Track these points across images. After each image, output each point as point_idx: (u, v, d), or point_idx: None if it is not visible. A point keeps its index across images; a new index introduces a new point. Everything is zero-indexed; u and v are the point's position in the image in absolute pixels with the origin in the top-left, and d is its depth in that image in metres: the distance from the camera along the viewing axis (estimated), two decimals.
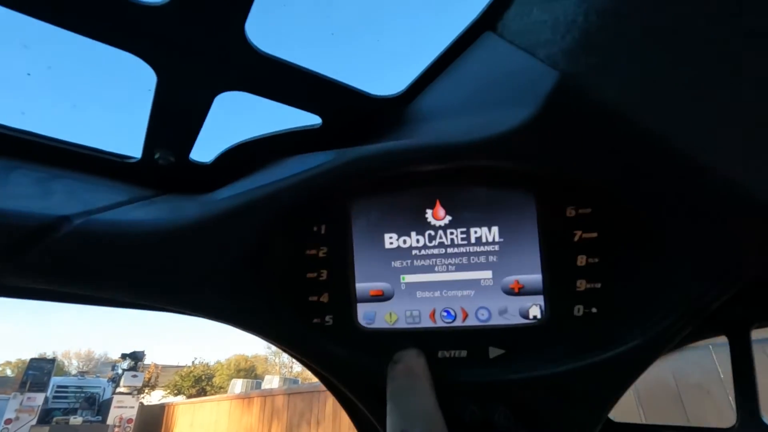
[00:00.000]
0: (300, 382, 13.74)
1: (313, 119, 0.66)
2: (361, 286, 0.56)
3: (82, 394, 13.99)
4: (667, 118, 0.35)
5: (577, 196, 0.50)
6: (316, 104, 0.59)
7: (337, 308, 0.55)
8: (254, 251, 0.50)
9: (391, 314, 0.55)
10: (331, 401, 6.97)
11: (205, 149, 0.71)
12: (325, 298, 0.55)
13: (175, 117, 0.60)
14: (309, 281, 0.56)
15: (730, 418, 0.51)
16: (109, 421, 12.83)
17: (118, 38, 0.45)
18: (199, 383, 21.86)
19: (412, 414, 0.45)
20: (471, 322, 0.54)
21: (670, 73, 0.32)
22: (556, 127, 0.39)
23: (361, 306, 0.56)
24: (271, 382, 13.60)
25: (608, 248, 0.49)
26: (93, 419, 13.15)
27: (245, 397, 10.07)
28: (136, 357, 15.05)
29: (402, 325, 0.55)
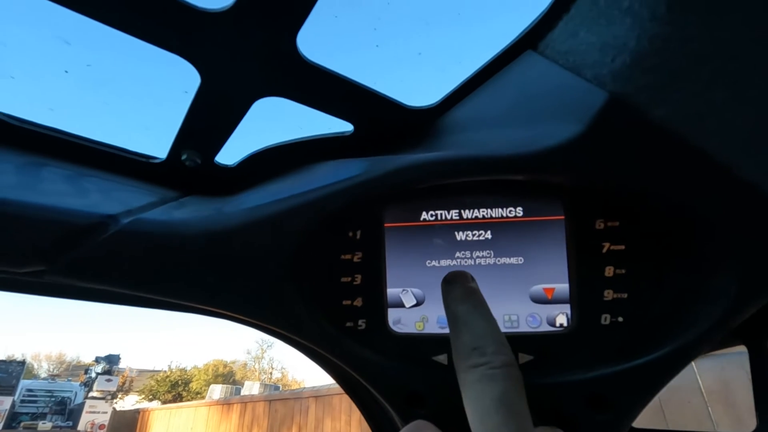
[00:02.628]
0: (281, 389, 13.54)
1: (344, 126, 0.67)
2: (393, 292, 0.57)
3: (52, 399, 13.51)
4: (714, 137, 0.38)
5: (605, 209, 0.53)
6: (350, 112, 0.61)
7: (369, 312, 0.56)
8: (294, 255, 0.51)
9: (421, 320, 0.57)
10: (313, 408, 6.89)
11: (225, 152, 0.72)
12: (358, 303, 0.56)
13: (210, 120, 0.60)
14: (343, 285, 0.56)
15: (708, 427, 0.53)
16: (81, 426, 12.41)
17: (171, 41, 0.45)
18: (176, 388, 21.31)
19: (483, 333, 0.45)
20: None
21: (720, 94, 0.35)
22: (605, 143, 0.42)
23: (392, 311, 0.57)
24: (251, 388, 13.36)
25: (635, 260, 0.52)
26: (63, 424, 12.71)
27: (224, 402, 9.86)
28: (110, 361, 14.65)
29: (432, 330, 0.56)
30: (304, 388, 8.25)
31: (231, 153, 0.73)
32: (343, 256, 0.57)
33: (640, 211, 0.50)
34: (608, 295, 0.52)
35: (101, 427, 12.75)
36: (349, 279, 0.57)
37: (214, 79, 0.52)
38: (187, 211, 0.57)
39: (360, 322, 0.56)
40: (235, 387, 14.45)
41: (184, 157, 0.68)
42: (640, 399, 0.48)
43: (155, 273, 0.48)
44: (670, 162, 0.41)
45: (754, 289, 0.44)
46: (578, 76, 0.42)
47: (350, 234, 0.57)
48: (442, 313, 0.57)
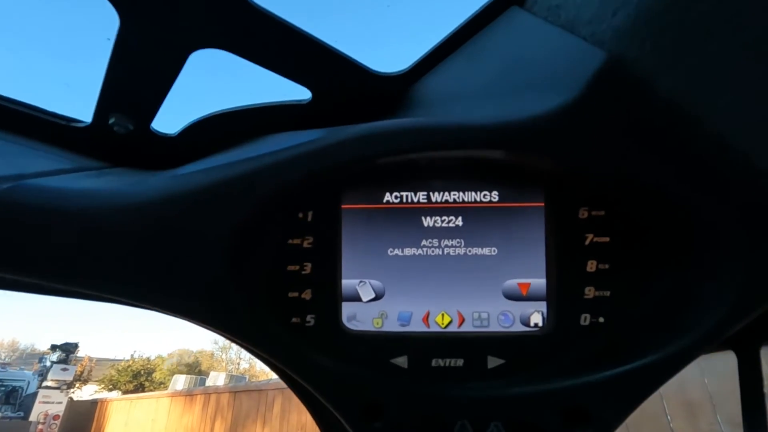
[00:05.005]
0: (248, 380, 13.31)
1: (302, 94, 0.59)
2: (348, 283, 0.50)
3: (2, 388, 12.82)
4: (729, 116, 0.32)
5: (591, 196, 0.47)
6: (307, 74, 0.52)
7: (320, 307, 0.49)
8: (228, 237, 0.43)
9: (380, 316, 0.50)
10: (279, 400, 6.78)
11: (171, 121, 0.62)
12: (307, 295, 0.49)
13: (138, 75, 0.51)
14: (289, 275, 0.48)
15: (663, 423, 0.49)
16: (32, 417, 11.82)
17: None
18: (138, 378, 20.63)
19: None
20: (467, 327, 0.49)
21: (737, 67, 0.29)
22: (599, 115, 0.35)
23: (347, 305, 0.50)
24: (216, 378, 13.06)
25: (621, 255, 0.46)
26: (13, 415, 12.08)
27: (187, 394, 9.59)
28: (67, 349, 13.99)
29: (392, 328, 0.49)
30: (271, 380, 8.12)
31: (177, 122, 0.64)
32: (290, 241, 0.49)
33: (630, 200, 0.44)
34: (589, 292, 0.47)
35: (55, 417, 12.18)
36: (297, 267, 0.49)
37: (136, 20, 0.43)
38: (102, 181, 0.47)
39: (308, 317, 0.48)
40: (199, 377, 14.07)
41: (112, 120, 0.58)
42: (620, 412, 0.43)
43: (33, 250, 0.38)
44: (675, 144, 0.35)
45: (754, 297, 0.39)
46: (572, 34, 0.36)
47: (300, 215, 0.49)
48: (404, 308, 0.50)
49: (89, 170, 0.56)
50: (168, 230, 0.41)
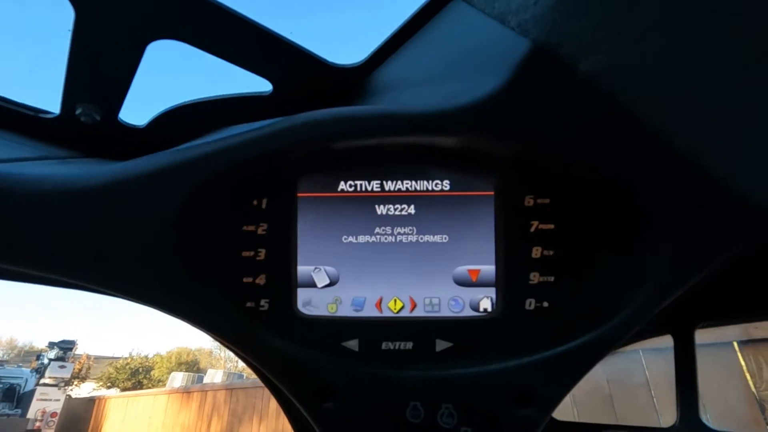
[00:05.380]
0: (245, 377, 13.34)
1: (263, 86, 0.60)
2: (304, 270, 0.51)
3: (0, 385, 12.83)
4: (647, 97, 0.33)
5: (536, 184, 0.48)
6: (267, 67, 0.54)
7: (274, 292, 0.50)
8: (177, 222, 0.44)
9: (334, 301, 0.51)
10: None
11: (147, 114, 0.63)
12: (261, 281, 0.50)
13: (99, 65, 0.52)
14: (244, 261, 0.50)
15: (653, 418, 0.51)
16: (30, 414, 11.83)
17: None
18: (136, 376, 20.65)
19: None
20: (419, 312, 0.50)
21: (654, 46, 0.30)
22: (527, 99, 0.37)
23: (302, 291, 0.51)
24: (214, 376, 13.08)
25: (564, 241, 0.48)
26: (11, 412, 12.08)
27: (184, 391, 9.60)
28: (65, 346, 13.99)
29: (345, 313, 0.51)
30: None
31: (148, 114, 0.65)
32: (245, 227, 0.50)
33: (572, 187, 0.46)
34: (534, 278, 0.48)
35: (53, 414, 12.19)
36: (252, 253, 0.50)
37: (91, 14, 0.44)
38: (61, 169, 0.49)
39: (262, 302, 0.50)
40: (197, 375, 14.09)
41: (78, 111, 0.59)
42: (561, 389, 0.44)
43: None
44: (598, 125, 0.37)
45: (679, 274, 0.41)
46: (503, 25, 0.37)
47: (255, 202, 0.50)
48: (358, 293, 0.51)
49: (55, 159, 0.57)
50: (114, 215, 0.42)
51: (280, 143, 0.44)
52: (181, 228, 0.44)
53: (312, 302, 0.51)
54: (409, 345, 0.49)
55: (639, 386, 3.34)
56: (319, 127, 0.44)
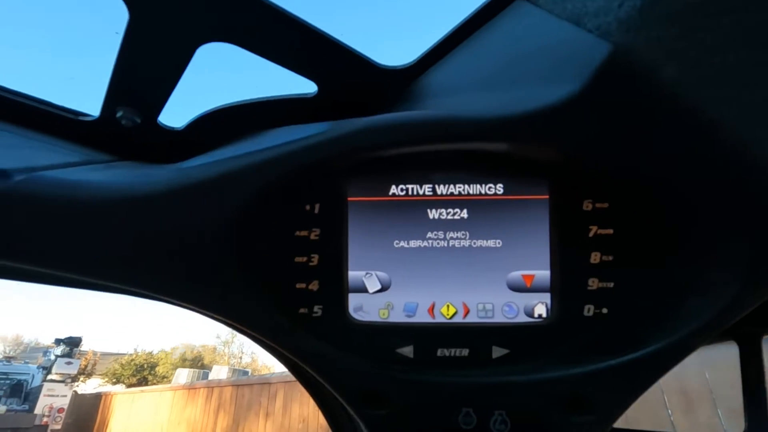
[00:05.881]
0: (250, 374, 13.39)
1: (308, 88, 0.59)
2: (355, 275, 0.50)
3: (8, 381, 12.93)
4: (731, 106, 0.32)
5: (594, 188, 0.47)
6: (314, 68, 0.53)
7: (326, 298, 0.50)
8: (234, 229, 0.43)
9: (386, 307, 0.50)
10: (282, 394, 6.82)
11: (177, 115, 0.63)
12: (314, 286, 0.49)
13: (146, 68, 0.51)
14: (297, 266, 0.49)
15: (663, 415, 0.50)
16: (38, 410, 11.92)
17: None
18: (141, 372, 20.78)
19: None
20: (472, 318, 0.50)
21: (744, 54, 0.29)
22: (603, 106, 0.36)
23: (353, 296, 0.50)
24: (219, 372, 13.14)
25: (625, 246, 0.47)
26: (19, 408, 12.18)
27: (189, 387, 9.65)
28: (71, 343, 14.08)
29: (398, 319, 0.50)
30: (273, 373, 8.16)
31: (182, 116, 0.64)
32: (297, 233, 0.49)
33: (634, 192, 0.45)
34: (593, 283, 0.47)
35: (60, 410, 12.29)
36: (305, 259, 0.49)
37: (145, 14, 0.43)
38: (109, 173, 0.48)
39: (315, 308, 0.49)
40: (202, 371, 14.17)
41: (119, 114, 0.59)
42: (623, 400, 0.44)
43: (47, 240, 0.39)
44: (677, 133, 0.36)
45: (755, 287, 0.39)
46: (577, 27, 0.36)
47: (307, 207, 0.50)
48: (410, 299, 0.51)
49: (97, 163, 0.57)
50: (173, 222, 0.41)
51: (334, 150, 0.44)
52: (240, 235, 0.43)
53: (363, 308, 0.50)
54: (465, 352, 0.48)
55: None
56: (375, 135, 0.43)
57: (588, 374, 0.43)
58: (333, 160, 0.45)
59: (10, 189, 0.36)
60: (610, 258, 0.47)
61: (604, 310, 0.47)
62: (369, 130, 0.43)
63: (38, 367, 13.79)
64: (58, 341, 14.14)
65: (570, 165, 0.46)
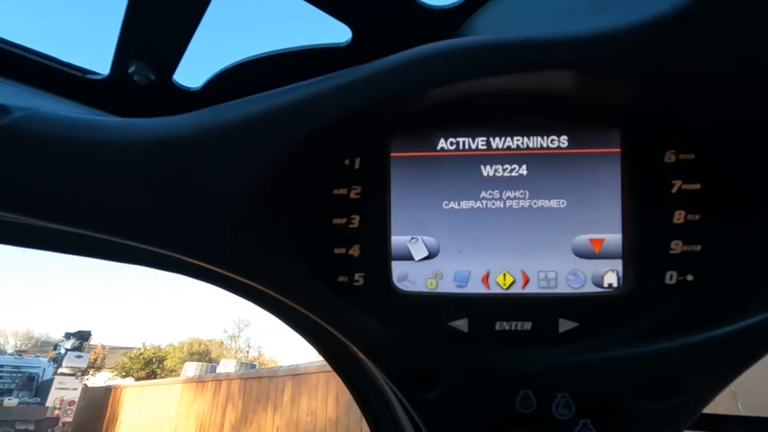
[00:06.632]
0: (257, 367, 13.45)
1: (340, 37, 0.53)
2: (399, 240, 0.45)
3: (19, 374, 13.10)
4: None
5: (679, 136, 0.41)
6: (348, 8, 0.47)
7: (368, 265, 0.44)
8: (264, 184, 0.37)
9: (433, 276, 0.45)
10: (290, 387, 6.82)
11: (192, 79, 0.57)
12: (354, 251, 0.44)
13: (159, 18, 0.46)
14: (336, 229, 0.43)
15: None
16: (49, 402, 12.08)
17: None
18: (150, 366, 21.01)
19: None
20: (532, 289, 0.44)
21: None
22: (704, 23, 0.29)
23: (397, 264, 0.45)
24: (227, 366, 13.21)
25: (714, 203, 0.41)
26: (30, 401, 12.34)
27: (198, 380, 9.70)
28: (81, 336, 14.23)
29: (448, 289, 0.44)
30: (281, 366, 8.18)
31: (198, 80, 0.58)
32: (336, 191, 0.43)
33: (728, 138, 0.39)
34: (676, 246, 0.41)
35: (71, 403, 12.44)
36: (344, 220, 0.43)
37: None
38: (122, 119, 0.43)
39: (356, 276, 0.43)
40: (210, 365, 14.25)
41: (131, 69, 0.53)
42: (721, 378, 0.38)
43: (47, 187, 0.33)
44: None
45: None
46: None
47: (347, 162, 0.44)
48: (461, 267, 0.45)
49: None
50: (198, 168, 0.36)
51: (379, 89, 0.38)
52: (272, 186, 0.37)
53: (408, 277, 0.45)
54: (528, 325, 0.42)
55: None
56: (429, 67, 0.37)
57: (678, 350, 0.37)
58: (377, 106, 0.39)
59: (7, 125, 0.31)
60: (697, 217, 0.41)
61: (690, 277, 0.41)
62: (418, 62, 0.37)
63: (49, 361, 13.95)
64: (67, 335, 14.29)
65: (651, 107, 0.39)
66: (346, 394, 5.43)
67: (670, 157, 0.41)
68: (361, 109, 0.37)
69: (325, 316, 0.40)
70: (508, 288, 0.44)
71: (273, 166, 0.37)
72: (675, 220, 0.41)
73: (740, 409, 2.90)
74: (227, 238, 0.37)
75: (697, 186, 0.41)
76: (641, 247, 0.42)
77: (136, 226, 0.36)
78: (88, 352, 14.74)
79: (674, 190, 0.41)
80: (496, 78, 0.36)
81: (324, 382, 6.02)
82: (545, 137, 0.44)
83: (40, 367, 13.75)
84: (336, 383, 5.76)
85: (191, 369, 13.45)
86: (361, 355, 0.42)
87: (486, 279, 0.44)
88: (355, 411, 5.23)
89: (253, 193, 0.37)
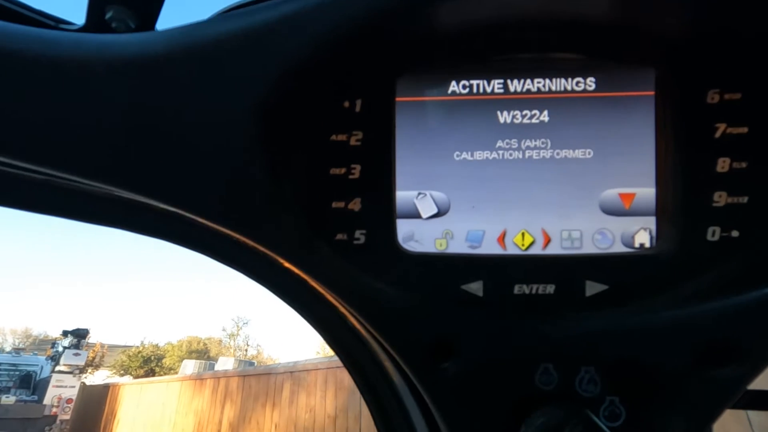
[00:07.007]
0: (256, 365, 13.40)
1: None
2: (404, 195, 0.40)
3: (17, 372, 13.06)
4: None
5: (724, 74, 0.36)
6: None
7: (370, 222, 0.39)
8: (249, 123, 0.32)
9: (443, 236, 0.40)
10: (288, 384, 6.77)
11: None
12: (355, 206, 0.39)
13: None
14: (334, 180, 0.38)
15: None
16: (47, 400, 12.03)
17: None
18: (148, 363, 20.97)
19: None
20: (554, 250, 0.39)
21: None
22: None
23: (402, 222, 0.40)
24: (225, 363, 13.15)
25: (763, 149, 0.36)
26: (28, 398, 12.28)
27: (197, 378, 9.65)
28: (79, 334, 14.16)
29: (459, 249, 0.39)
30: (279, 363, 8.14)
31: None
32: (334, 137, 0.38)
33: None
34: (719, 199, 0.36)
35: (69, 401, 12.40)
36: (343, 170, 0.38)
37: None
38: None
39: (357, 234, 0.38)
40: (208, 362, 14.19)
41: (109, 15, 0.48)
42: (764, 348, 0.33)
43: (7, 121, 0.29)
44: None
45: None
46: None
47: (346, 104, 0.39)
48: (474, 226, 0.40)
49: None
50: (174, 93, 0.31)
51: (380, 11, 0.32)
52: (263, 126, 0.32)
53: (415, 236, 0.40)
54: (551, 288, 0.38)
55: None
56: None
57: (732, 313, 0.33)
58: (380, 34, 0.34)
59: None
60: (744, 165, 0.36)
61: (735, 233, 0.36)
62: None
63: (47, 359, 13.89)
64: (65, 333, 14.21)
65: (692, 41, 0.34)
66: (345, 391, 5.39)
67: (713, 97, 0.36)
68: (362, 21, 0.32)
69: (322, 278, 0.35)
70: (527, 249, 0.39)
71: (258, 103, 0.31)
72: (718, 169, 0.36)
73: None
74: (206, 184, 0.32)
75: (744, 129, 0.36)
76: (678, 202, 0.37)
77: (105, 163, 0.31)
78: (86, 350, 14.69)
79: (717, 134, 0.36)
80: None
81: (322, 379, 5.98)
82: (570, 79, 0.39)
83: (37, 365, 13.70)
84: (334, 380, 5.71)
85: (189, 367, 13.39)
86: (363, 332, 0.37)
87: (502, 239, 0.39)
88: (354, 408, 5.19)
89: (237, 133, 0.32)
